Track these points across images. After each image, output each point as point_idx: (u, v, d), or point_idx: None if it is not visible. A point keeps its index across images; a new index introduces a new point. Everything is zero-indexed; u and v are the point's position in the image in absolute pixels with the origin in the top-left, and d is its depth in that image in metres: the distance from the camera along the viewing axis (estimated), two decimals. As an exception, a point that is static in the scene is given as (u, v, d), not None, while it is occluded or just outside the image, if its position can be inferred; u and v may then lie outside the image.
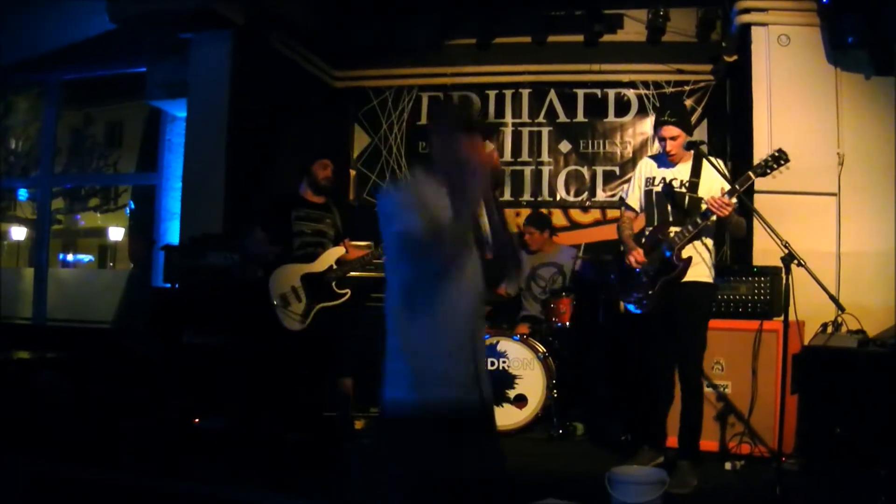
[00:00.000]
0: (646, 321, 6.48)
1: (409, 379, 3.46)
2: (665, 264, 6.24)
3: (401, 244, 3.57)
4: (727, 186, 6.09)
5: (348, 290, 7.24)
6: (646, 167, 6.72)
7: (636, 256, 6.39)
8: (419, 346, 3.52)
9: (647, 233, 6.57)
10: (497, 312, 9.22)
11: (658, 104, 10.33)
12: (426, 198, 3.56)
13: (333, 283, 7.20)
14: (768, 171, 6.13)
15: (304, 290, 7.13)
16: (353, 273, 7.38)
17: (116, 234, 22.60)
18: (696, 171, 6.34)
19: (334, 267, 7.27)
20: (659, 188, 6.49)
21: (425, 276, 3.53)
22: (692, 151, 6.40)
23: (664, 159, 6.52)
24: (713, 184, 6.25)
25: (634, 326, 6.75)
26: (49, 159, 11.41)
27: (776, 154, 6.11)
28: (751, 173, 6.11)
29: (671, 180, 6.41)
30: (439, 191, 3.59)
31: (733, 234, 6.67)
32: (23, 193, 12.85)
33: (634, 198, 6.74)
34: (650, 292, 6.31)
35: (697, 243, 6.27)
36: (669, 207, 6.39)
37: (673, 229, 6.28)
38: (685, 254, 6.22)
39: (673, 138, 6.32)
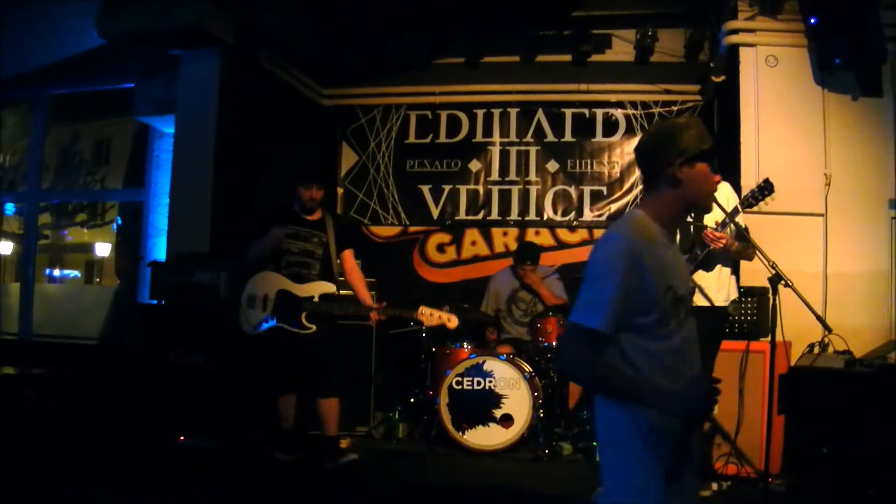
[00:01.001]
0: None
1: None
2: None
3: None
4: (728, 206, 6.22)
5: (314, 327, 7.20)
6: None
7: None
8: None
9: None
10: (482, 332, 9.24)
11: (646, 124, 10.36)
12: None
13: (304, 314, 7.19)
14: (754, 202, 6.23)
15: (273, 303, 7.19)
16: (325, 311, 7.32)
17: (103, 249, 22.52)
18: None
19: (315, 299, 7.26)
20: None
21: None
22: None
23: None
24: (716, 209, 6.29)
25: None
26: (36, 174, 11.39)
27: (762, 185, 6.24)
28: (738, 206, 6.20)
29: None
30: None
31: (741, 258, 6.67)
32: (9, 208, 12.78)
33: None
34: None
35: (712, 270, 6.38)
36: (678, 237, 6.45)
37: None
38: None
39: None
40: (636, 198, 10.36)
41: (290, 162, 9.56)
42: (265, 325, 7.18)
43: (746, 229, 6.29)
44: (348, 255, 7.68)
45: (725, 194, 6.40)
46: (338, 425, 7.37)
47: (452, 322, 7.45)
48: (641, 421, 3.07)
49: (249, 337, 7.24)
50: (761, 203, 6.32)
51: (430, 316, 7.39)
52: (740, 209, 6.22)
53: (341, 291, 7.49)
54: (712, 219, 6.29)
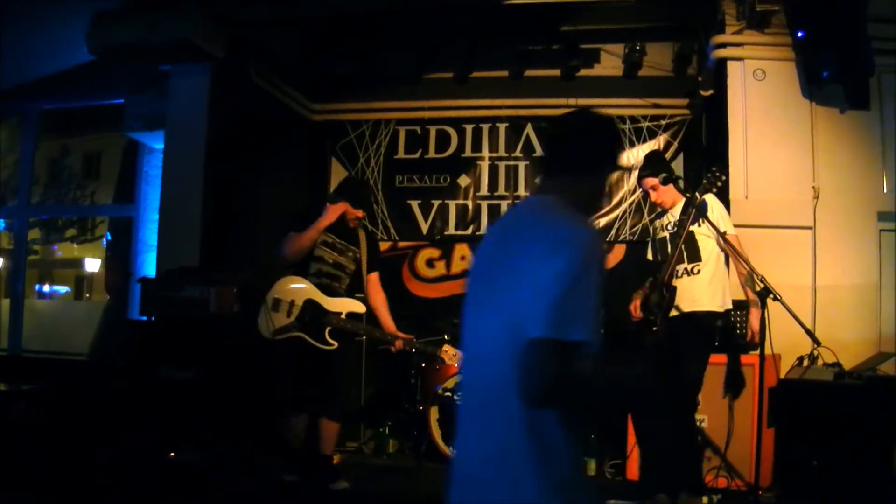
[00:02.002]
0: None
1: None
2: (662, 299, 6.39)
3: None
4: (720, 224, 6.34)
5: (336, 344, 6.97)
6: (654, 222, 7.16)
7: (632, 305, 6.71)
8: None
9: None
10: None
11: (634, 139, 10.39)
12: None
13: (328, 329, 6.97)
14: (710, 186, 6.41)
15: (299, 311, 6.97)
16: (350, 329, 7.13)
17: (93, 265, 22.48)
18: (685, 210, 6.51)
19: (342, 316, 7.05)
20: (660, 235, 6.82)
21: None
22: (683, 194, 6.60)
23: (661, 210, 6.94)
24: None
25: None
26: (26, 189, 11.36)
27: (712, 171, 6.53)
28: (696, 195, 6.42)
29: (666, 224, 6.64)
30: None
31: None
32: (-1, 223, 12.79)
33: (649, 251, 7.11)
34: (654, 328, 6.43)
35: (702, 275, 6.43)
36: (669, 248, 6.56)
37: (680, 267, 6.43)
38: (676, 285, 6.46)
39: (653, 188, 6.65)
40: (625, 212, 10.38)
41: (281, 176, 9.58)
42: (287, 334, 6.96)
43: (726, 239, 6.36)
44: (374, 277, 7.49)
45: (717, 212, 6.47)
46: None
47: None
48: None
49: (265, 341, 7.02)
50: (751, 212, 6.42)
51: (452, 356, 7.34)
52: (698, 197, 6.36)
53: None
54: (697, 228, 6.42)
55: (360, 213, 7.29)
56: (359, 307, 7.19)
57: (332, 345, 6.97)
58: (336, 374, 7.11)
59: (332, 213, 7.09)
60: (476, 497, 2.71)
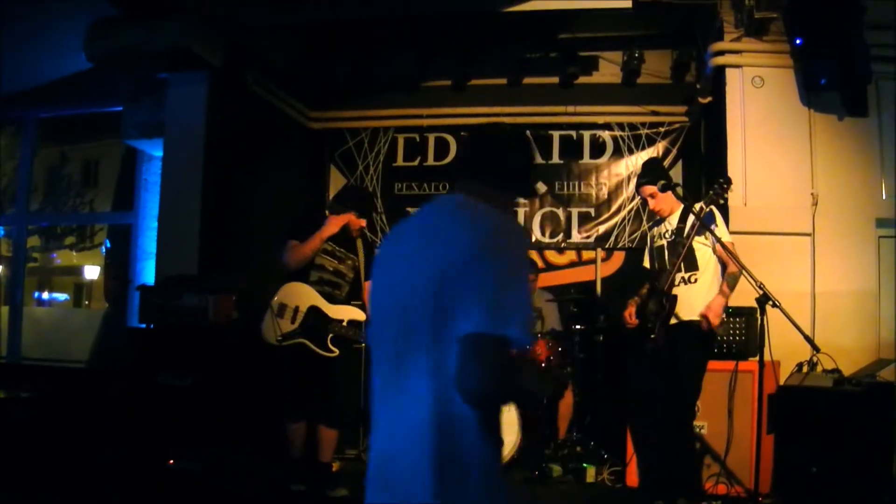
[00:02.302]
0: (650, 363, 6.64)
1: None
2: (661, 307, 6.41)
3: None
4: (723, 235, 6.37)
5: (338, 351, 6.96)
6: (651, 230, 7.16)
7: (627, 311, 6.81)
8: None
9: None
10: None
11: (633, 146, 10.40)
12: None
13: (330, 336, 6.97)
14: (717, 198, 6.43)
15: (303, 317, 6.95)
16: (352, 337, 7.10)
17: (92, 272, 22.44)
18: (683, 217, 6.53)
19: (343, 324, 7.04)
20: (658, 243, 6.83)
21: None
22: (683, 202, 6.61)
23: (657, 217, 6.96)
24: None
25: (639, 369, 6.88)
26: (25, 197, 11.36)
27: (720, 181, 6.56)
28: (701, 206, 6.45)
29: (664, 232, 6.66)
30: None
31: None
32: (-2, 230, 12.78)
33: (646, 258, 7.13)
34: (652, 336, 6.44)
35: (699, 284, 6.45)
36: (667, 257, 6.57)
37: (677, 276, 6.45)
38: (675, 293, 6.50)
39: (651, 196, 6.68)
40: (624, 219, 10.39)
41: (279, 184, 9.59)
42: (291, 340, 6.93)
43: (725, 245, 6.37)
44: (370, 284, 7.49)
45: (719, 222, 6.50)
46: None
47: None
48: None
49: (268, 347, 6.97)
50: (750, 219, 6.44)
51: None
52: (705, 208, 6.37)
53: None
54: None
55: (363, 223, 7.30)
56: (360, 315, 7.17)
57: (333, 352, 6.95)
58: (336, 381, 7.09)
59: (336, 223, 7.08)
60: (394, 498, 2.76)
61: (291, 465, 7.16)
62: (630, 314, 6.69)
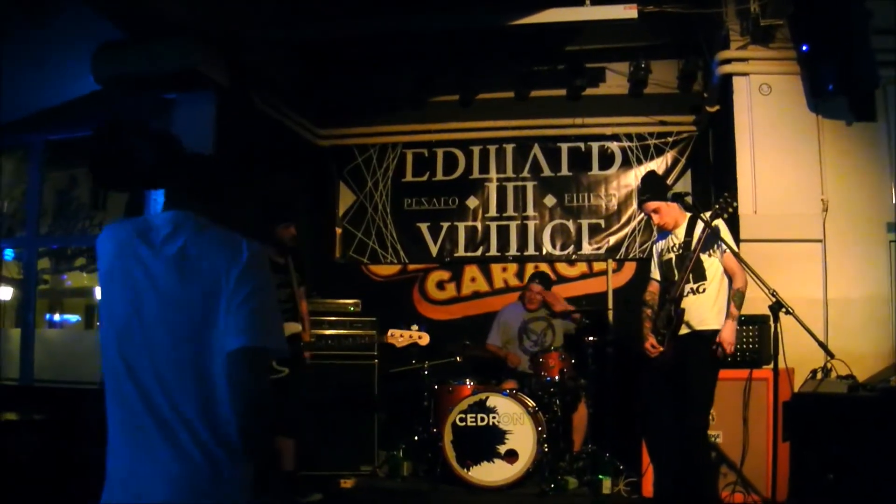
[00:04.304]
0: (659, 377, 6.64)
1: None
2: (670, 320, 6.42)
3: None
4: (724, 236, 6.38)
5: (286, 370, 6.92)
6: (657, 244, 7.12)
7: (649, 343, 6.69)
8: None
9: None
10: (484, 369, 9.24)
11: (642, 156, 10.40)
12: None
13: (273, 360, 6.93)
14: (722, 211, 6.41)
15: None
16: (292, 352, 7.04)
17: (103, 294, 22.48)
18: (689, 230, 6.53)
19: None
20: (666, 257, 6.81)
21: None
22: (689, 214, 6.60)
23: (662, 231, 6.93)
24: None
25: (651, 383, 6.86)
26: (35, 220, 11.37)
27: (723, 198, 6.49)
28: (707, 218, 6.40)
29: (671, 246, 6.66)
30: None
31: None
32: (9, 254, 12.75)
33: (655, 271, 7.08)
34: (661, 349, 6.46)
35: (707, 293, 6.47)
36: (675, 270, 6.56)
37: (686, 287, 6.45)
38: (684, 305, 6.47)
39: (655, 211, 6.68)
40: (634, 230, 10.38)
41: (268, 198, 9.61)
42: None
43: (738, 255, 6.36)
44: (302, 291, 7.60)
45: (725, 233, 6.49)
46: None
47: (424, 339, 7.42)
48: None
49: None
50: (761, 227, 6.44)
51: (399, 338, 7.34)
52: (711, 222, 6.36)
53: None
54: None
55: (293, 231, 7.32)
56: (295, 328, 7.28)
57: (282, 371, 6.94)
58: (291, 396, 7.10)
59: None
60: None
61: (291, 480, 7.19)
62: (652, 344, 6.66)
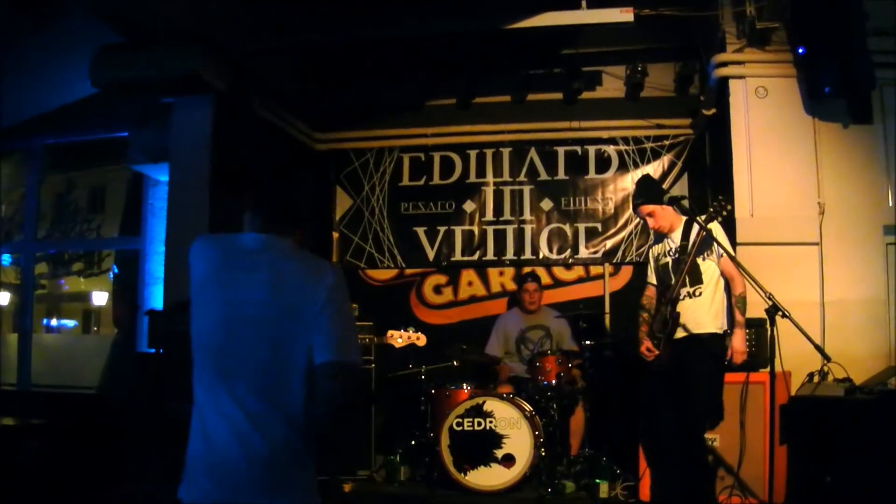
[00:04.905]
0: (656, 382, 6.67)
1: None
2: (666, 324, 6.44)
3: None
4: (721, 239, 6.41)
5: None
6: (653, 248, 7.15)
7: (644, 346, 6.74)
8: None
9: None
10: (481, 373, 9.23)
11: (638, 160, 10.41)
12: None
13: None
14: (716, 215, 6.46)
15: None
16: None
17: (100, 298, 22.43)
18: (685, 234, 6.55)
19: None
20: (662, 261, 6.85)
21: None
22: (685, 217, 6.61)
23: (657, 235, 6.97)
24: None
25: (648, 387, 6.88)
26: (32, 224, 11.37)
27: (716, 202, 6.59)
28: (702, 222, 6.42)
29: (668, 250, 6.70)
30: None
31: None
32: (6, 258, 12.76)
33: (651, 275, 7.11)
34: (657, 352, 6.48)
35: (703, 297, 6.51)
36: (672, 274, 6.58)
37: (683, 290, 6.48)
38: (680, 309, 6.52)
39: (650, 215, 6.71)
40: (631, 233, 10.38)
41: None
42: None
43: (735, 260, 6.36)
44: None
45: (721, 237, 6.50)
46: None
47: (421, 340, 7.42)
48: None
49: None
50: (757, 230, 6.45)
51: (398, 339, 7.34)
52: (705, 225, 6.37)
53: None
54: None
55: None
56: None
57: None
58: None
59: None
60: (234, 497, 3.08)
61: None
62: (648, 348, 6.66)
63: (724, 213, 6.52)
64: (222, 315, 3.26)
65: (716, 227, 6.49)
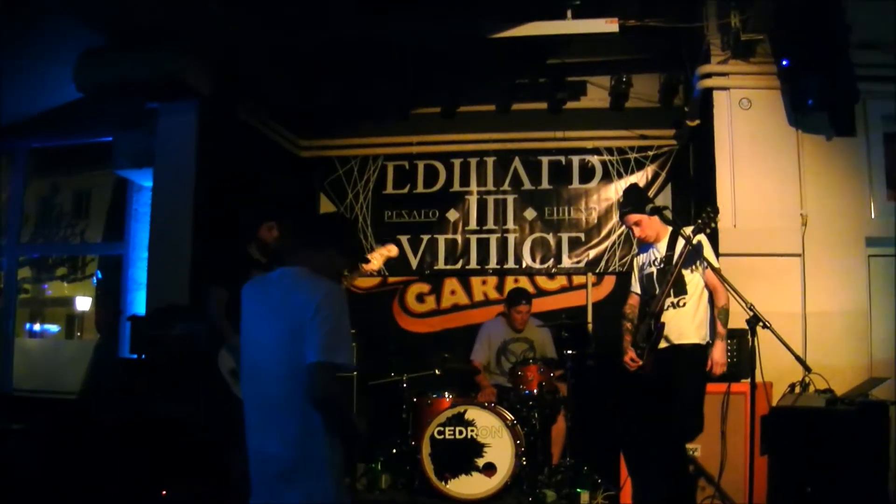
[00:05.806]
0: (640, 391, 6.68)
1: None
2: (650, 334, 6.44)
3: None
4: (713, 261, 6.41)
5: None
6: (638, 257, 7.15)
7: (628, 356, 6.74)
8: None
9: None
10: (463, 382, 9.22)
11: (622, 170, 10.43)
12: None
13: None
14: (704, 227, 6.43)
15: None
16: None
17: (84, 303, 22.32)
18: (671, 244, 6.57)
19: None
20: (647, 271, 6.85)
21: None
22: (670, 227, 6.62)
23: (643, 244, 6.96)
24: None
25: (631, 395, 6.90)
26: (16, 228, 11.32)
27: (707, 211, 6.53)
28: (689, 234, 6.39)
29: (653, 260, 6.72)
30: None
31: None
32: (-11, 262, 12.73)
33: (636, 284, 7.13)
34: (640, 363, 6.49)
35: (687, 308, 6.53)
36: (656, 284, 6.59)
37: (667, 301, 6.50)
38: (663, 319, 6.52)
39: (636, 224, 6.72)
40: (614, 244, 10.41)
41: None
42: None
43: (720, 271, 6.36)
44: None
45: (707, 247, 6.52)
46: None
47: (393, 251, 7.40)
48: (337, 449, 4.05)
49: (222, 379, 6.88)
50: (739, 241, 6.47)
51: (373, 263, 7.31)
52: (693, 237, 6.36)
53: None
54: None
55: (275, 232, 7.25)
56: None
57: None
58: None
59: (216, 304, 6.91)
60: (275, 496, 3.96)
61: None
62: (631, 358, 6.68)
63: (713, 224, 6.54)
64: (256, 335, 4.16)
65: (703, 240, 6.50)
